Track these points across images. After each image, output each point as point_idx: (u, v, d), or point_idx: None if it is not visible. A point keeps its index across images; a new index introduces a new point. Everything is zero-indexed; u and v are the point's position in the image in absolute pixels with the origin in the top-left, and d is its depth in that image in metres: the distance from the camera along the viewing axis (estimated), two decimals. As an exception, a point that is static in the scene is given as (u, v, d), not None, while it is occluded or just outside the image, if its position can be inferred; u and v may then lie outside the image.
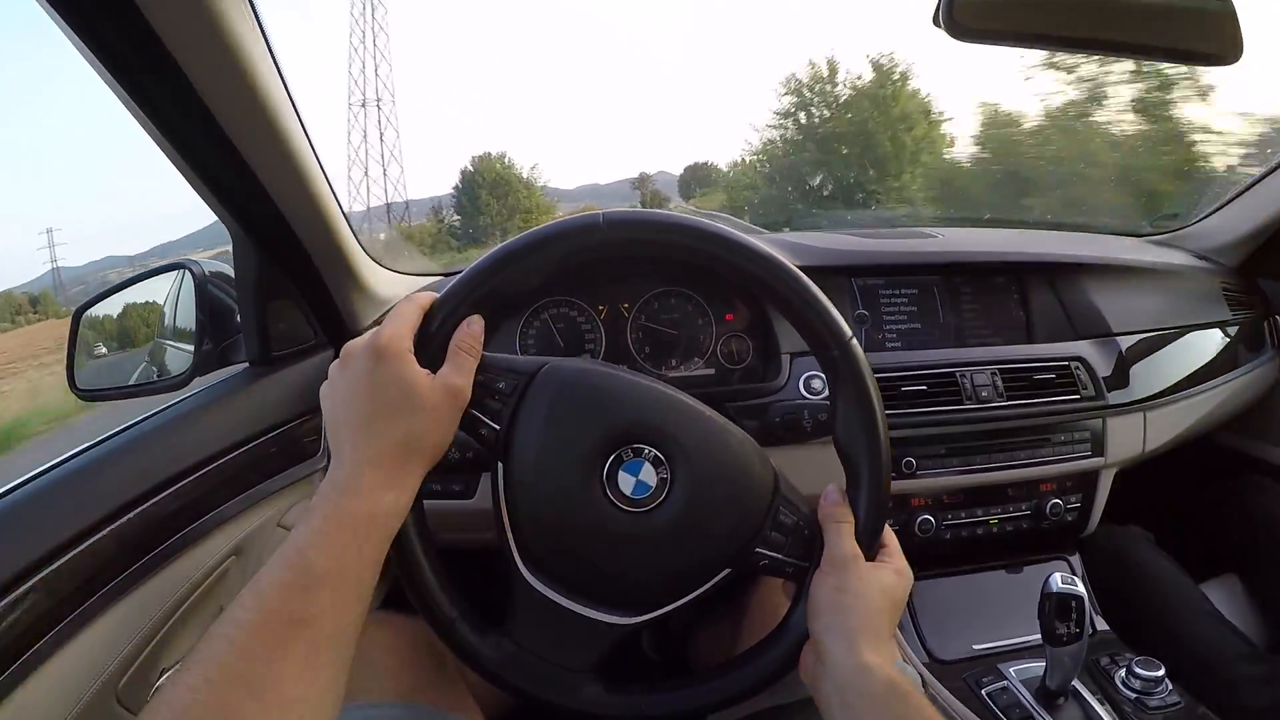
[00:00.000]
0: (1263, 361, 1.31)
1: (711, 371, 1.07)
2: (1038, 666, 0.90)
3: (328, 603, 0.47)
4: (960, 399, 1.04)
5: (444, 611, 0.60)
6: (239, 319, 0.94)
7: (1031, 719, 0.86)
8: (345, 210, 0.95)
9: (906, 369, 1.05)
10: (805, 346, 0.66)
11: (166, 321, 1.02)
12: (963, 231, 1.40)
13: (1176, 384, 1.19)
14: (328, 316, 1.02)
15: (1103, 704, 0.87)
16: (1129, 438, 1.13)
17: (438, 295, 0.61)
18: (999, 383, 1.06)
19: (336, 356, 1.02)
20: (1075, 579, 0.81)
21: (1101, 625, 1.10)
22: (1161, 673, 0.89)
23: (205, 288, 0.91)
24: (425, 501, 0.61)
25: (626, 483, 0.59)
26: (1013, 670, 0.94)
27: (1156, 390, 1.16)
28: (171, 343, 1.00)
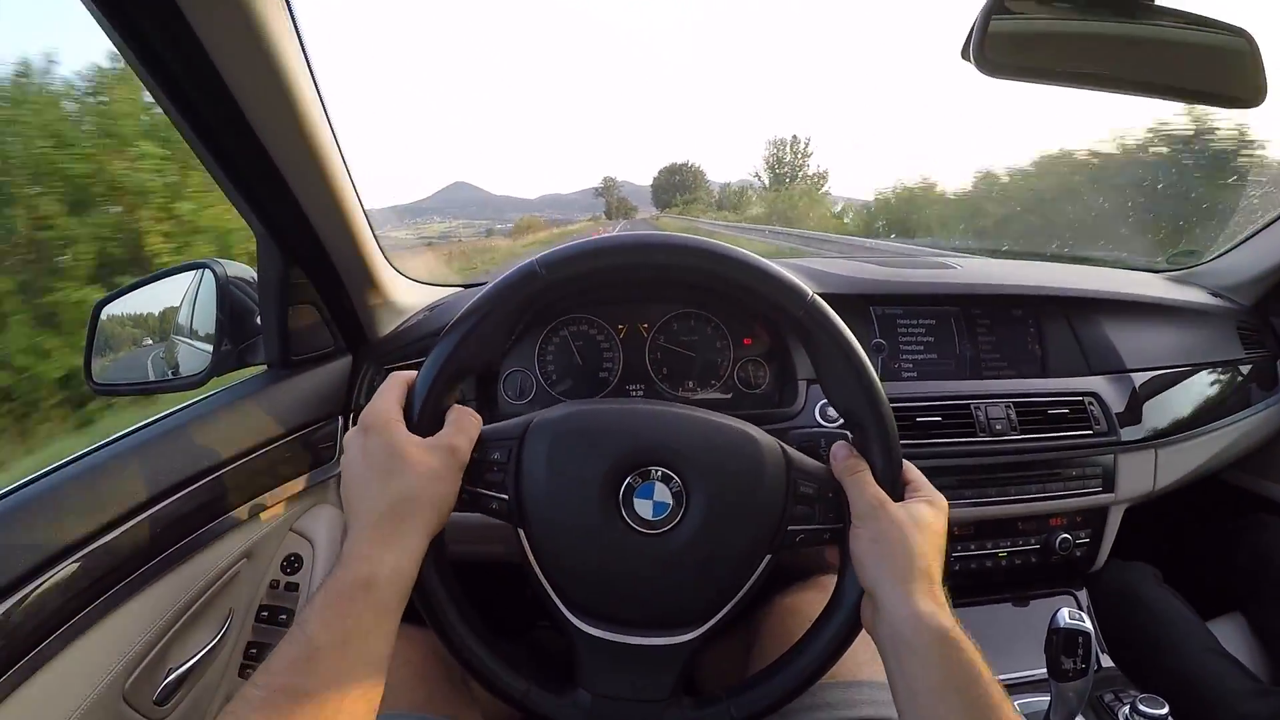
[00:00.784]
0: (1273, 401, 1.31)
1: (728, 396, 1.07)
2: (1042, 701, 0.89)
3: (330, 674, 0.46)
4: (974, 431, 1.04)
5: (516, 687, 0.60)
6: (259, 321, 0.94)
7: (1035, 754, 0.86)
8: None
9: (921, 400, 1.05)
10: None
11: (184, 320, 1.02)
12: (981, 263, 1.41)
13: (1188, 421, 1.19)
14: (347, 323, 1.02)
15: (1106, 741, 0.86)
16: (1140, 474, 1.13)
17: (417, 372, 0.61)
18: (1013, 416, 1.06)
19: (354, 363, 1.04)
20: (1082, 614, 0.81)
21: (1107, 662, 1.10)
22: (1165, 711, 0.88)
23: (226, 288, 0.92)
24: None
25: (644, 508, 0.59)
26: (1017, 704, 0.93)
27: (1168, 427, 1.16)
28: (189, 341, 1.00)
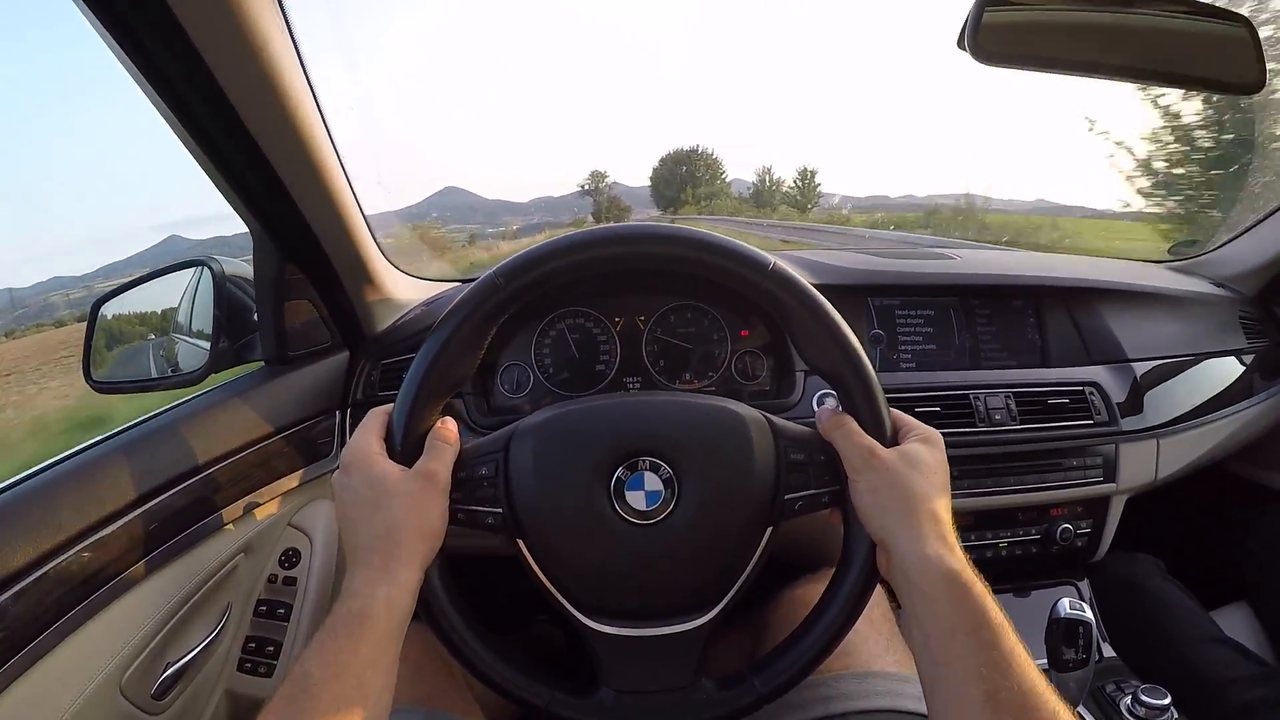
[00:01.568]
0: (1275, 391, 1.30)
1: (726, 388, 1.07)
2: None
3: (327, 709, 0.46)
4: (973, 421, 1.04)
5: (539, 698, 0.60)
6: (256, 318, 0.95)
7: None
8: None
9: (920, 390, 1.05)
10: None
11: (183, 317, 1.03)
12: (980, 253, 1.40)
13: (1190, 411, 1.18)
14: (344, 319, 1.02)
15: (1107, 731, 0.86)
16: (1141, 464, 1.12)
17: (394, 404, 0.61)
18: (1012, 406, 1.05)
19: (352, 358, 1.04)
20: (1083, 605, 0.81)
21: (1109, 652, 1.09)
22: (1167, 700, 0.88)
23: (224, 285, 0.92)
24: None
25: (637, 499, 0.59)
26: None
27: (1170, 417, 1.15)
28: (187, 338, 1.00)
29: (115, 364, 1.00)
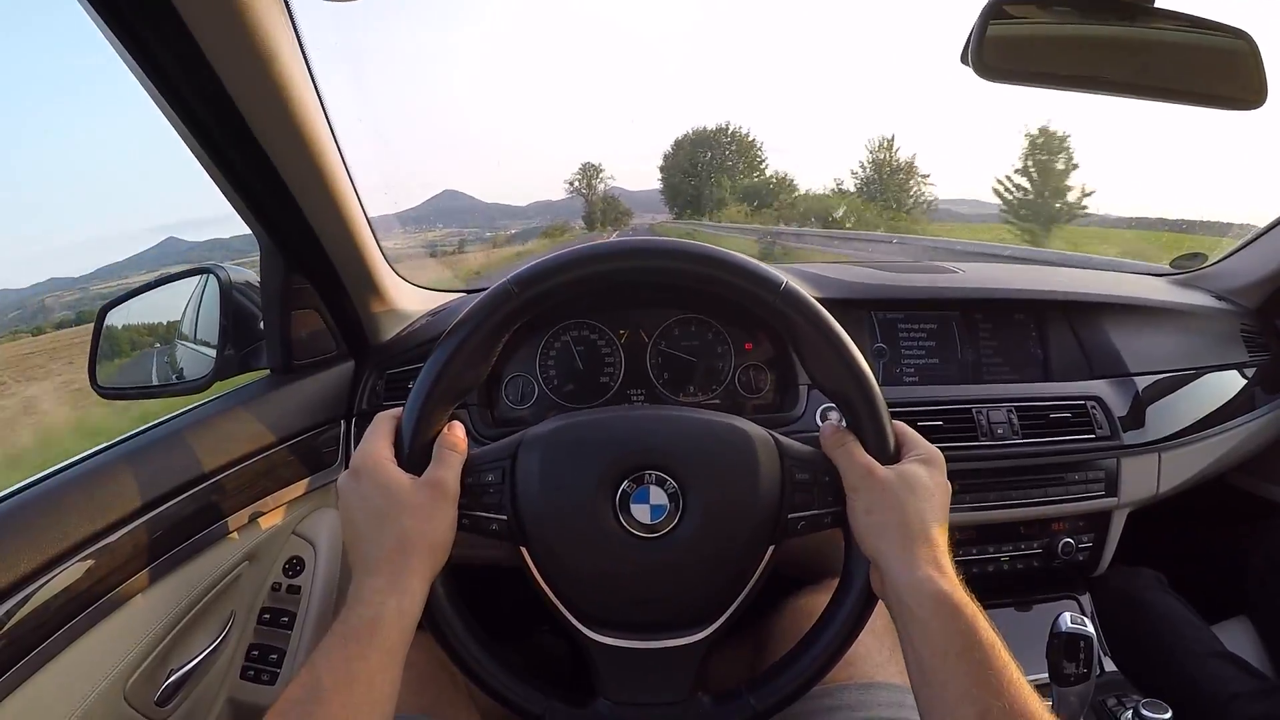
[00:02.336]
0: (1277, 404, 1.30)
1: (729, 401, 1.07)
2: (1044, 706, 0.89)
3: (335, 714, 0.47)
4: (976, 435, 1.04)
5: (536, 706, 0.61)
6: (262, 326, 0.95)
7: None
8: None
9: (923, 404, 1.05)
10: None
11: (188, 325, 1.03)
12: (983, 267, 1.40)
13: (1192, 425, 1.18)
14: (350, 328, 1.03)
15: (1108, 745, 0.86)
16: (1143, 479, 1.13)
17: (404, 407, 0.62)
18: (1015, 420, 1.06)
19: (357, 368, 1.04)
20: (1085, 619, 0.80)
21: (1110, 666, 1.09)
22: (1168, 715, 0.88)
23: (230, 293, 0.92)
24: None
25: (642, 512, 0.59)
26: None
27: (1172, 431, 1.15)
28: (193, 345, 1.01)
29: (121, 370, 1.00)
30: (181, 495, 0.77)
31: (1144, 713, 0.88)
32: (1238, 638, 1.19)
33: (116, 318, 0.96)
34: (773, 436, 0.63)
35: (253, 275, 0.95)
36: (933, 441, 0.63)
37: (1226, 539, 1.37)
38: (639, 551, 0.59)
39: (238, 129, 0.71)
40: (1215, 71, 0.83)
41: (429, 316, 1.15)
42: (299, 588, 0.93)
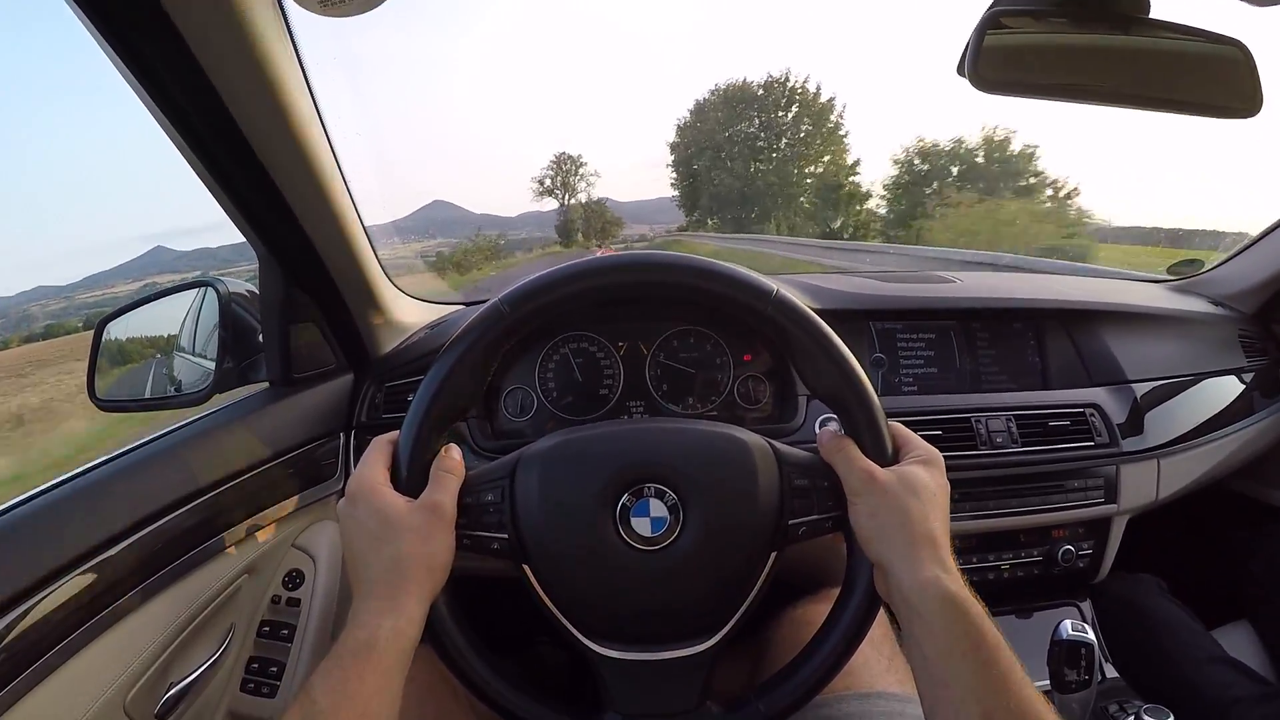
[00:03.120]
0: (1276, 409, 1.31)
1: (728, 412, 1.07)
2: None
3: None
4: (975, 444, 1.04)
5: None
6: (261, 339, 0.95)
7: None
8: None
9: (922, 413, 1.06)
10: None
11: (187, 337, 1.03)
12: (981, 276, 1.40)
13: (1191, 431, 1.19)
14: (349, 341, 1.03)
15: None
16: (1142, 485, 1.13)
17: (400, 432, 0.62)
18: (1014, 429, 1.06)
19: (356, 381, 1.04)
20: (1085, 626, 0.81)
21: (1111, 673, 1.09)
22: (1170, 721, 0.88)
23: (229, 306, 0.92)
24: None
25: (643, 525, 0.59)
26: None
27: (1171, 438, 1.16)
28: (191, 358, 1.01)
29: (119, 382, 1.00)
30: (181, 508, 0.77)
31: (1145, 718, 0.89)
32: (1238, 643, 1.19)
33: (115, 330, 0.96)
34: (770, 444, 0.63)
35: (251, 288, 0.95)
36: None
37: (1226, 544, 1.37)
38: (641, 564, 0.59)
39: (235, 140, 0.71)
40: (1210, 80, 0.83)
41: (428, 329, 1.15)
42: (298, 600, 0.93)
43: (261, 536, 0.89)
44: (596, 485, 0.60)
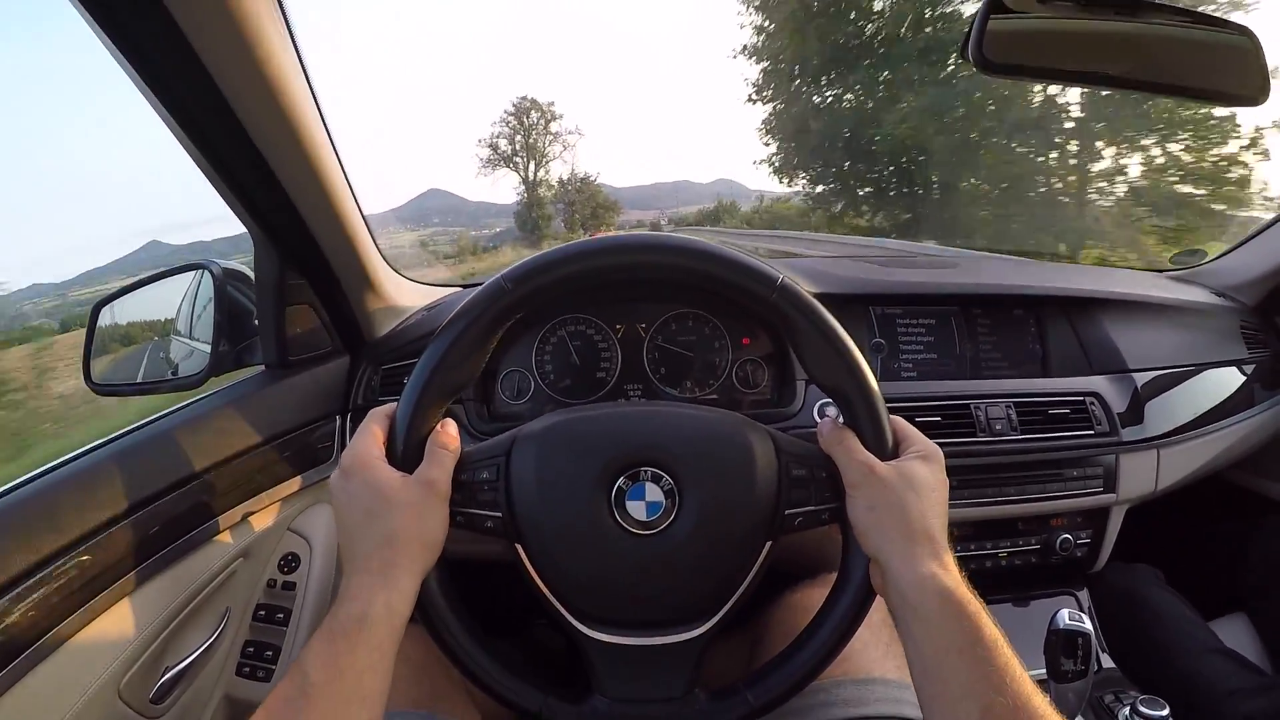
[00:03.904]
0: (1276, 401, 1.30)
1: (726, 396, 1.07)
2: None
3: (324, 711, 0.47)
4: (974, 431, 1.04)
5: (533, 702, 0.60)
6: (256, 322, 0.95)
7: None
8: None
9: (921, 399, 1.05)
10: None
11: (183, 321, 1.03)
12: (982, 263, 1.40)
13: (1191, 422, 1.18)
14: (345, 323, 1.02)
15: (1106, 743, 0.86)
16: (1142, 475, 1.12)
17: (396, 405, 0.61)
18: (1013, 416, 1.05)
19: (352, 363, 1.04)
20: (1082, 615, 0.80)
21: (1108, 662, 1.09)
22: (1166, 712, 0.88)
23: (224, 289, 0.92)
24: None
25: (638, 509, 0.59)
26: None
27: (1171, 428, 1.15)
28: (187, 341, 1.00)
29: (115, 366, 1.00)
30: (176, 491, 0.76)
31: (1141, 709, 0.88)
32: (1235, 634, 1.19)
33: (110, 314, 0.96)
34: (769, 432, 0.63)
35: (247, 271, 0.94)
36: (931, 437, 0.62)
37: (1225, 535, 1.37)
38: (635, 548, 0.59)
39: (228, 122, 0.71)
40: (1217, 67, 0.83)
41: (424, 311, 1.14)
42: (294, 584, 0.93)
43: (257, 520, 0.89)
44: (593, 467, 0.60)
